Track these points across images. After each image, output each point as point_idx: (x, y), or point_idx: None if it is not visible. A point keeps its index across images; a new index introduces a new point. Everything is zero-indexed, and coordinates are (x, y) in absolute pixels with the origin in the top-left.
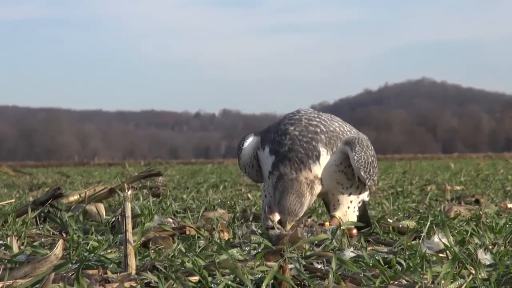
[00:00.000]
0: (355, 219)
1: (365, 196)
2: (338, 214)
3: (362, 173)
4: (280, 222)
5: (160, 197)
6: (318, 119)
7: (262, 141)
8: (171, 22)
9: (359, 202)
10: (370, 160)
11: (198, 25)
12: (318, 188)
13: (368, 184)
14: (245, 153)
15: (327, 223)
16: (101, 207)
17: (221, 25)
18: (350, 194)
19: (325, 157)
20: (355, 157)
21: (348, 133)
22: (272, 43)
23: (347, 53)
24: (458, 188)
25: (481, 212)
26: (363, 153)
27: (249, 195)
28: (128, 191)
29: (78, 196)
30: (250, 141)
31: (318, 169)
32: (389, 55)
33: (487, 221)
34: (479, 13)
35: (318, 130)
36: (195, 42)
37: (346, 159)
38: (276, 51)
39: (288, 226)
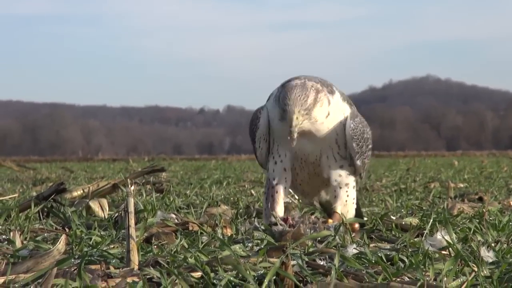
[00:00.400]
0: (353, 212)
1: (352, 180)
2: (339, 208)
3: (354, 144)
4: (285, 219)
5: (164, 193)
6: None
7: (268, 104)
8: (176, 17)
9: (356, 190)
10: (365, 136)
11: (203, 20)
12: (325, 103)
13: (358, 162)
14: (262, 123)
15: (330, 220)
16: (104, 202)
17: (226, 21)
18: (341, 167)
19: (339, 97)
20: (352, 125)
21: (353, 108)
22: (276, 40)
23: (351, 50)
24: (462, 185)
25: (484, 210)
26: (360, 125)
27: (253, 191)
28: (131, 186)
29: (82, 191)
30: (265, 111)
31: (330, 97)
32: (393, 52)
33: (490, 218)
34: (484, 12)
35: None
36: (199, 38)
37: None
38: (280, 48)
39: (295, 119)
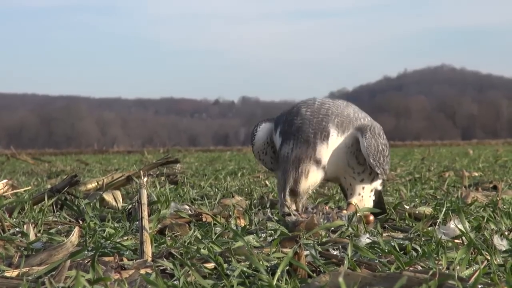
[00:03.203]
0: (371, 205)
1: (377, 184)
2: (354, 200)
3: (371, 160)
4: (298, 210)
5: (177, 184)
6: (331, 103)
7: (275, 125)
8: (191, 8)
9: (372, 190)
10: (380, 148)
11: (218, 11)
12: (319, 171)
13: (378, 171)
14: (258, 139)
15: (344, 210)
16: (118, 194)
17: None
18: (362, 180)
19: (335, 138)
20: (365, 143)
21: (362, 120)
22: (291, 29)
23: (366, 39)
24: (476, 174)
25: (498, 198)
26: (373, 140)
27: (267, 182)
28: (144, 178)
29: (96, 183)
30: (263, 127)
31: (324, 150)
32: (407, 41)
33: (504, 207)
34: None
35: (330, 112)
36: (214, 29)
37: (358, 142)
38: (295, 38)
39: (293, 206)
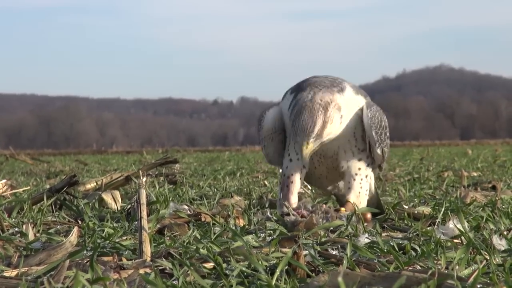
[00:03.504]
0: (366, 202)
1: (371, 177)
2: (351, 197)
3: (373, 133)
4: (297, 210)
5: (176, 184)
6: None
7: (283, 105)
8: (191, 8)
9: (366, 176)
10: (383, 124)
11: (217, 10)
12: (336, 116)
13: (378, 150)
14: (267, 121)
15: (342, 209)
16: (117, 194)
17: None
18: (360, 160)
19: (351, 94)
20: (369, 114)
21: (368, 99)
22: (290, 30)
23: (365, 40)
24: (475, 174)
25: (497, 198)
26: (377, 114)
27: (266, 182)
28: (143, 178)
29: (95, 183)
30: (272, 111)
31: (340, 98)
32: (406, 42)
33: (503, 207)
34: None
35: (340, 80)
36: (213, 30)
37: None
38: (294, 38)
39: (304, 150)
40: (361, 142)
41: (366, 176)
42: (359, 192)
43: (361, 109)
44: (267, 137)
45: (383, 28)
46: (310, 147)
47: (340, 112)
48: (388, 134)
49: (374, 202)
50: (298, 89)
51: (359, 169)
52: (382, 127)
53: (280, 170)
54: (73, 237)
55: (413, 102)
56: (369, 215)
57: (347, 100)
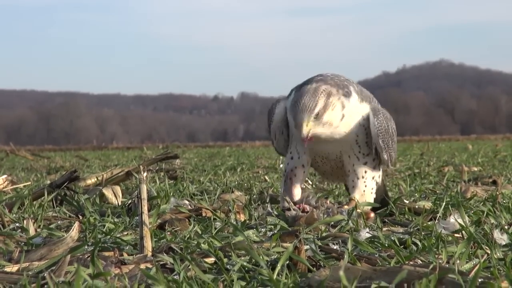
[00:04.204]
0: (372, 200)
1: (379, 176)
2: (356, 195)
3: (380, 141)
4: (298, 204)
5: (177, 180)
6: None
7: (288, 101)
8: (191, 4)
9: (373, 178)
10: (390, 131)
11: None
12: (337, 106)
13: (385, 156)
14: (278, 114)
15: (345, 205)
16: (118, 189)
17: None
18: (365, 164)
19: (355, 101)
20: (376, 123)
21: (375, 101)
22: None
23: (365, 35)
24: (476, 169)
25: (497, 193)
26: (384, 122)
27: (266, 177)
28: (144, 173)
29: (96, 179)
30: (281, 104)
31: (345, 100)
32: (406, 37)
33: (504, 201)
34: None
35: (347, 83)
36: (214, 25)
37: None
38: (294, 34)
39: (304, 127)
40: (365, 147)
41: (373, 178)
42: (364, 191)
43: (365, 118)
44: (277, 130)
45: (383, 24)
46: (309, 127)
47: (343, 110)
48: (395, 138)
49: (382, 194)
50: (302, 85)
51: (365, 172)
52: (389, 134)
53: (281, 165)
54: (74, 232)
55: (413, 97)
56: (372, 214)
57: (351, 106)
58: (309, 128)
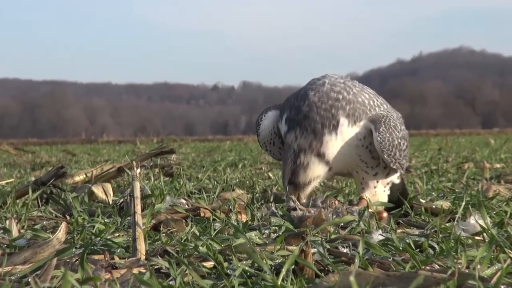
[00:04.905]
0: (386, 200)
1: (394, 178)
2: (366, 194)
3: (386, 156)
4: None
5: (173, 177)
6: (343, 85)
7: (281, 111)
8: None
9: (388, 184)
10: (396, 142)
11: None
12: (321, 165)
13: (394, 167)
14: (264, 128)
15: (355, 206)
16: (109, 187)
17: None
18: (376, 175)
19: (346, 129)
20: (378, 138)
21: (377, 108)
22: (297, 9)
23: (378, 20)
24: (498, 166)
25: None
26: (387, 134)
27: (270, 174)
28: (137, 169)
29: (84, 175)
30: (269, 114)
31: (332, 142)
32: (423, 22)
33: None
34: None
35: (341, 97)
36: (213, 8)
37: (371, 135)
38: (301, 18)
39: (298, 198)
40: (372, 161)
41: (388, 184)
42: (376, 189)
43: (364, 137)
44: (267, 142)
45: (398, 7)
46: (294, 197)
47: (325, 157)
48: (404, 146)
49: (398, 191)
50: (290, 120)
51: (377, 182)
52: (394, 146)
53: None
54: (61, 233)
55: (430, 87)
56: (385, 214)
57: (341, 138)
58: (293, 196)
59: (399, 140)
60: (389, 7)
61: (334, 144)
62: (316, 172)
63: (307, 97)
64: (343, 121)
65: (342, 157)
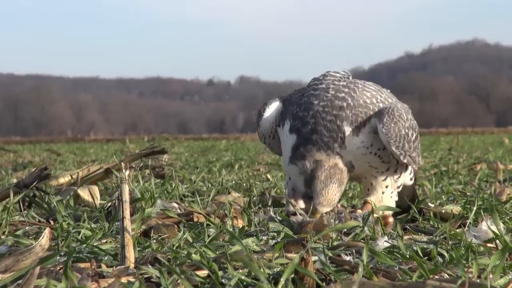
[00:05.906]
0: (393, 205)
1: (407, 180)
2: (371, 198)
3: (394, 148)
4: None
5: (164, 179)
6: (347, 90)
7: (282, 114)
8: None
9: (398, 187)
10: (403, 132)
11: None
12: (347, 175)
13: (404, 161)
14: (265, 120)
15: (359, 210)
16: (96, 190)
17: None
18: (386, 179)
19: (351, 138)
20: (383, 130)
21: (381, 104)
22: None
23: (385, 10)
24: None
25: None
26: (392, 124)
27: (269, 176)
28: (126, 171)
29: (70, 177)
30: (272, 106)
31: (346, 154)
32: (434, 13)
33: None
34: None
35: (345, 104)
36: None
37: (378, 139)
38: (302, 8)
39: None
40: (381, 165)
41: (398, 187)
42: (383, 193)
43: (368, 139)
44: (266, 135)
45: None
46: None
47: (346, 170)
48: (412, 137)
49: (408, 195)
50: (298, 132)
51: (386, 186)
52: (401, 136)
53: (282, 163)
54: (44, 240)
55: (442, 82)
56: (390, 219)
57: (349, 146)
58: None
59: (406, 130)
60: None
61: (347, 157)
62: (341, 189)
63: (311, 106)
64: (348, 131)
65: (356, 162)
